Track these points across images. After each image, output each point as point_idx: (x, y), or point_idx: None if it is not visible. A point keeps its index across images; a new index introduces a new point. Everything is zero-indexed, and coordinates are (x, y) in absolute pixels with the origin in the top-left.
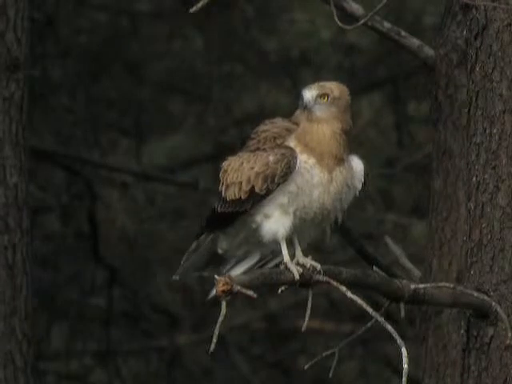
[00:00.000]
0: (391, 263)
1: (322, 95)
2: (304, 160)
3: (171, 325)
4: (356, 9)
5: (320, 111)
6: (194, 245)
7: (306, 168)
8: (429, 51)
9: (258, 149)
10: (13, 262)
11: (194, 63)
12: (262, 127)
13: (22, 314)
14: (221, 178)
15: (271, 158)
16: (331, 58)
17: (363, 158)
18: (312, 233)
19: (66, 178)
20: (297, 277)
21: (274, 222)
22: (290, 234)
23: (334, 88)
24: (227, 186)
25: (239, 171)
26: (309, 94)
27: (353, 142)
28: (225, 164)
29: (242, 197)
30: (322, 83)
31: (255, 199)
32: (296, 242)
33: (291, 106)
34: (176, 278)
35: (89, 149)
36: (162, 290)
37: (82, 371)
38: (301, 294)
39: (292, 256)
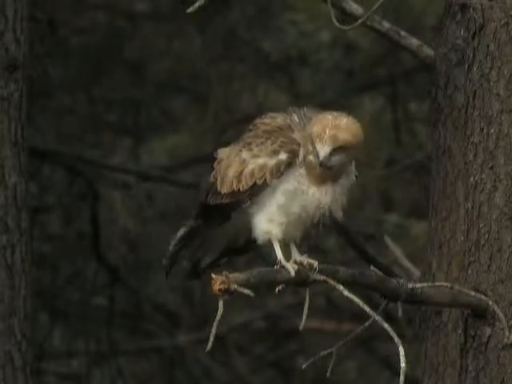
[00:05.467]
0: (391, 263)
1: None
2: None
3: (172, 325)
4: (355, 9)
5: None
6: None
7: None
8: (428, 51)
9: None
10: (12, 262)
11: (193, 63)
12: (261, 120)
13: (21, 314)
14: (215, 168)
15: (275, 146)
16: (330, 57)
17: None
18: (307, 232)
19: (67, 177)
20: (292, 274)
21: (269, 223)
22: (284, 236)
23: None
24: (223, 178)
25: (238, 161)
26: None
27: None
28: (220, 153)
29: (241, 189)
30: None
31: (253, 191)
32: (291, 242)
33: (290, 106)
34: (164, 262)
35: (90, 148)
36: (163, 290)
37: (83, 371)
38: (300, 294)
39: (288, 256)
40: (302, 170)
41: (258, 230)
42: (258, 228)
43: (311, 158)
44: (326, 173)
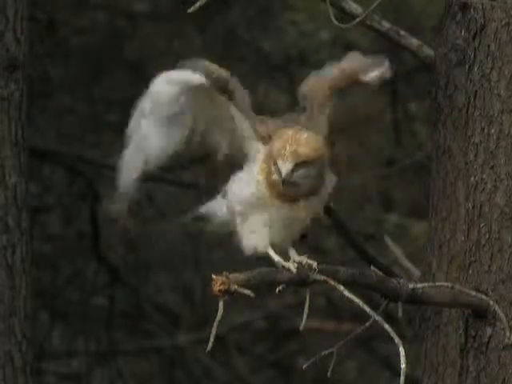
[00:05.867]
0: (391, 263)
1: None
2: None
3: (172, 325)
4: (355, 8)
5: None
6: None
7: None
8: (428, 51)
9: None
10: (12, 262)
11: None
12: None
13: (21, 314)
14: None
15: None
16: (331, 57)
17: (363, 158)
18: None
19: (67, 177)
20: (294, 271)
21: (251, 235)
22: (272, 241)
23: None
24: None
25: None
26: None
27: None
28: None
29: None
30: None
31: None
32: (284, 245)
33: (290, 105)
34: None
35: (90, 148)
36: (163, 290)
37: (83, 371)
38: (301, 294)
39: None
40: (263, 188)
41: (243, 244)
42: (243, 241)
43: (274, 176)
44: (290, 190)
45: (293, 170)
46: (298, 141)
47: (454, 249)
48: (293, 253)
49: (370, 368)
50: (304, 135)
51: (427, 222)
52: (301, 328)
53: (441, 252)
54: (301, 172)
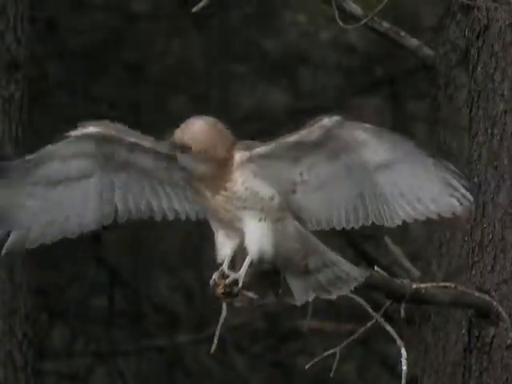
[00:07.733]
0: (391, 263)
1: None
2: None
3: (172, 324)
4: (355, 8)
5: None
6: None
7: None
8: (428, 51)
9: None
10: (13, 262)
11: (193, 63)
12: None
13: (22, 313)
14: None
15: None
16: (331, 57)
17: None
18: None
19: None
20: (210, 284)
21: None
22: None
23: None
24: None
25: None
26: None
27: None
28: None
29: None
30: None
31: None
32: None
33: (290, 105)
34: None
35: None
36: (163, 290)
37: (83, 371)
38: None
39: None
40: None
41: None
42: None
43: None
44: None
45: (182, 152)
46: (188, 129)
47: (454, 249)
48: (225, 266)
49: (368, 368)
50: (191, 126)
51: (427, 221)
52: (304, 329)
53: (441, 252)
54: (188, 156)
